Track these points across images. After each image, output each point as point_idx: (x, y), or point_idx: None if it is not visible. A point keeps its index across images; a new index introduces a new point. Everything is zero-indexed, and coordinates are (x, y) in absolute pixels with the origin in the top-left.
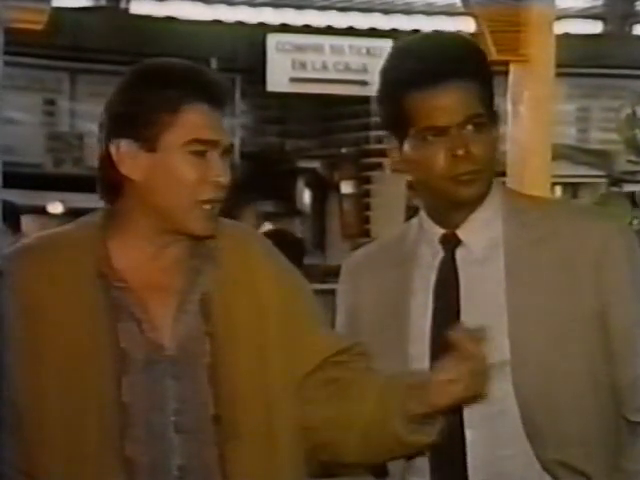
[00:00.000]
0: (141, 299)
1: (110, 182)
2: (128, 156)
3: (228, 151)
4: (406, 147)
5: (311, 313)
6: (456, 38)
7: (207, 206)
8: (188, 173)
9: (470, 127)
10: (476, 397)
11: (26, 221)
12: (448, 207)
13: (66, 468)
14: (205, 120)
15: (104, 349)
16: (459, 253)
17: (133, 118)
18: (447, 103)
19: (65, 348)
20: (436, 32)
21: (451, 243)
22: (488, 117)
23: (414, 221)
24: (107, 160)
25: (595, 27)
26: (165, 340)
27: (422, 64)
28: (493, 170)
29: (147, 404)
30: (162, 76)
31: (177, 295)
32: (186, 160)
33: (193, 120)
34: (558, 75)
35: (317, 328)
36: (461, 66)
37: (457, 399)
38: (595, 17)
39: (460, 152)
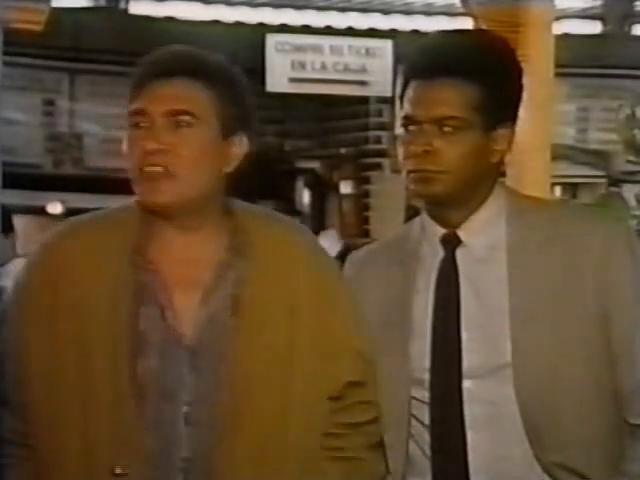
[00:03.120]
0: (167, 286)
1: None
2: None
3: (171, 115)
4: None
5: (349, 317)
6: (464, 37)
7: (143, 173)
8: (125, 147)
9: (436, 127)
10: None
11: (25, 221)
12: (450, 206)
13: (81, 443)
14: (138, 94)
15: (122, 328)
16: (459, 253)
17: None
18: (428, 97)
19: (85, 320)
20: (456, 30)
21: (451, 243)
22: (464, 122)
23: (417, 220)
24: None
25: (595, 27)
26: (185, 330)
27: (420, 58)
28: (462, 174)
29: (159, 391)
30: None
31: (203, 287)
32: (126, 136)
33: (132, 98)
34: (558, 75)
35: (354, 332)
36: (451, 64)
37: None
38: (595, 17)
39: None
